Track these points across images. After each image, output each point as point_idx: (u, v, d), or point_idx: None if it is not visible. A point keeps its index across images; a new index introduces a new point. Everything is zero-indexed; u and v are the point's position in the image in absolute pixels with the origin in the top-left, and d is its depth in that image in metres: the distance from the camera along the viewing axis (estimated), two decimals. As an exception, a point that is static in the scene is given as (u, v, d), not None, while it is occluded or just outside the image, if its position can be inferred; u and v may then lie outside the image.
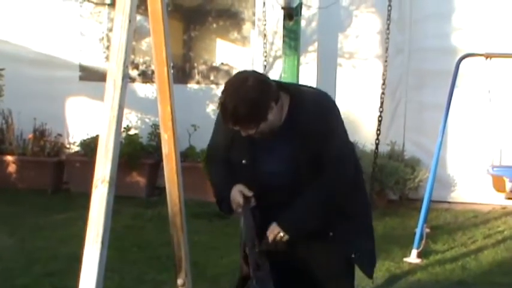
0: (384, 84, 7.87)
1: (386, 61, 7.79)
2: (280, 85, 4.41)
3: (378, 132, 7.85)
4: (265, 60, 9.32)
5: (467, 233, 9.07)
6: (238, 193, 4.54)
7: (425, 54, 10.57)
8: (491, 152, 9.40)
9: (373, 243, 4.78)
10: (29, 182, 10.73)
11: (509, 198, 9.21)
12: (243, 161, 4.55)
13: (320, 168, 4.36)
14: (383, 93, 7.76)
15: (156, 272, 6.67)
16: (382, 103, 7.79)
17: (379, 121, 7.81)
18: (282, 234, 4.41)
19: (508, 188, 8.93)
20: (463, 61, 8.10)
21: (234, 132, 4.37)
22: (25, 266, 7.13)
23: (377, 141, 7.83)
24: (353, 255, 4.64)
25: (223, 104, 4.25)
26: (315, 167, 4.36)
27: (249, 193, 4.51)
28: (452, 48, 10.09)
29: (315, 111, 4.36)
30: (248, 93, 4.16)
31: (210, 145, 5.00)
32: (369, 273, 4.78)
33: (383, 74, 7.83)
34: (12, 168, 10.87)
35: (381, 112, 7.78)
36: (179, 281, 6.13)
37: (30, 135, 11.08)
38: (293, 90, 4.44)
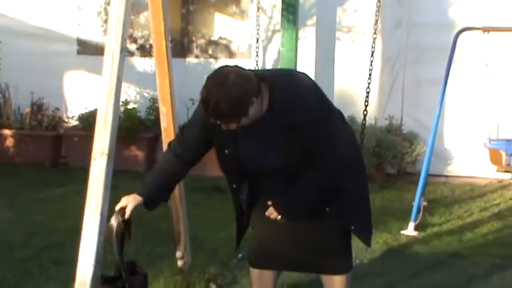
0: (372, 56, 7.82)
1: (375, 33, 7.74)
2: (260, 77, 4.32)
3: (366, 103, 7.81)
4: (258, 34, 9.27)
5: (463, 206, 9.09)
6: (124, 200, 4.57)
7: (423, 28, 10.56)
8: (488, 125, 9.41)
9: (370, 213, 4.81)
10: (26, 156, 10.75)
11: (505, 171, 9.24)
12: (226, 151, 4.57)
13: (307, 153, 4.33)
14: (371, 64, 7.72)
15: (154, 245, 6.68)
16: (370, 75, 7.75)
17: (367, 93, 7.78)
18: (279, 216, 4.46)
19: (504, 161, 8.96)
20: (461, 35, 8.09)
21: (215, 124, 4.31)
22: (24, 239, 7.13)
23: (365, 112, 7.79)
24: (352, 227, 4.69)
25: (204, 100, 4.18)
26: (302, 155, 4.35)
27: (130, 207, 4.54)
28: (450, 23, 10.07)
29: (296, 100, 4.31)
30: (229, 90, 4.10)
31: (180, 131, 4.88)
32: (368, 243, 4.83)
33: (372, 47, 7.78)
34: (10, 142, 10.88)
35: (369, 84, 7.74)
36: (178, 254, 6.16)
37: (28, 110, 11.08)
38: (273, 81, 4.36)
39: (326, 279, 4.83)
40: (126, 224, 4.65)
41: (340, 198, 4.59)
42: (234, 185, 4.73)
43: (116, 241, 4.60)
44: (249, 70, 4.33)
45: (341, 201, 4.60)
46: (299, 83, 4.43)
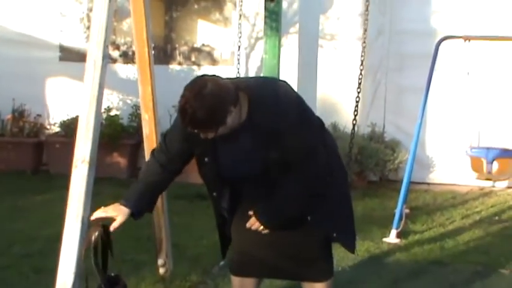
0: (361, 65, 7.87)
1: (364, 42, 7.78)
2: (238, 86, 4.33)
3: (356, 113, 7.87)
4: (239, 41, 9.28)
5: (445, 213, 9.12)
6: (111, 211, 4.67)
7: (405, 36, 10.59)
8: (469, 133, 9.46)
9: (353, 220, 4.80)
10: (7, 163, 10.72)
11: (486, 179, 9.28)
12: (206, 159, 4.57)
13: (286, 162, 4.34)
14: (361, 74, 7.76)
15: (136, 252, 6.68)
16: (359, 84, 7.80)
17: (357, 102, 7.84)
18: (261, 227, 4.45)
19: (485, 169, 9.01)
20: (442, 43, 8.11)
21: (194, 133, 4.31)
22: (4, 247, 7.11)
23: (354, 121, 7.84)
24: (334, 234, 4.65)
25: (182, 109, 4.17)
26: (280, 162, 4.35)
27: (119, 221, 4.66)
28: (432, 31, 10.10)
29: (275, 110, 4.30)
30: (206, 99, 4.11)
31: (162, 139, 4.88)
32: (351, 249, 4.82)
33: (361, 56, 7.84)
34: (-11, 148, 10.85)
35: (358, 93, 7.79)
36: (160, 261, 6.14)
37: (9, 116, 11.07)
38: (251, 90, 4.37)
39: (307, 286, 4.83)
40: (107, 237, 4.66)
41: (321, 206, 4.56)
42: (214, 193, 4.74)
43: (94, 254, 4.61)
44: (228, 79, 4.35)
45: (323, 209, 4.57)
46: (279, 92, 4.42)
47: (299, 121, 4.34)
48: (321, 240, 4.71)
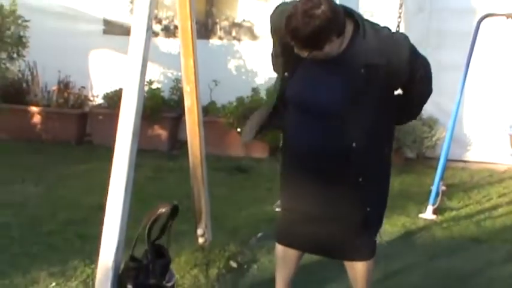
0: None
1: (400, 17, 7.75)
2: (349, 13, 4.29)
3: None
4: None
5: (482, 191, 9.09)
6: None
7: (446, 14, 10.52)
8: (509, 112, 9.41)
9: (385, 208, 4.78)
10: (53, 133, 10.80)
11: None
12: (285, 74, 4.51)
13: (372, 107, 4.31)
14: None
15: (178, 222, 6.70)
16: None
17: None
18: None
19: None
20: (484, 21, 8.07)
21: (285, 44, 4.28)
22: (50, 214, 7.18)
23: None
24: (368, 209, 4.57)
25: (288, 18, 4.06)
26: (367, 102, 4.30)
27: None
28: (473, 8, 10.02)
29: (379, 46, 4.25)
30: (313, 21, 3.98)
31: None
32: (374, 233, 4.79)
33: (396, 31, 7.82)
34: (37, 119, 10.92)
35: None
36: (199, 231, 6.20)
37: (55, 87, 11.11)
38: (360, 21, 4.31)
39: (348, 265, 4.81)
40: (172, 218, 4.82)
41: (372, 178, 4.52)
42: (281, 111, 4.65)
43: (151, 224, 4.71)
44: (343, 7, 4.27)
45: (372, 181, 4.51)
46: (388, 35, 4.38)
47: (414, 60, 4.36)
48: (362, 220, 4.63)
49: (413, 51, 4.35)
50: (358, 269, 4.77)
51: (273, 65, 4.72)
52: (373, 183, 4.53)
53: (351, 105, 4.27)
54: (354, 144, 4.34)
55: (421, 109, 4.90)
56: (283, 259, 4.91)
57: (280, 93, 4.58)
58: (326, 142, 4.40)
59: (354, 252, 4.71)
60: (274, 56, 4.65)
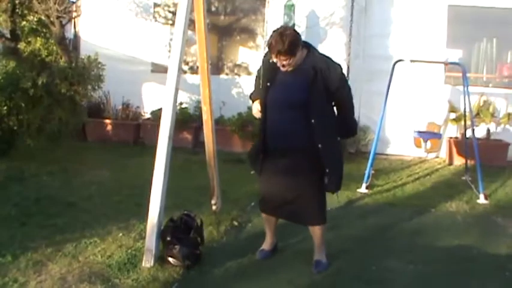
0: (347, 76, 7.88)
1: (348, 62, 7.76)
2: (306, 43, 4.66)
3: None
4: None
5: (396, 173, 9.07)
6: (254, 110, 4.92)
7: (373, 59, 10.51)
8: (413, 122, 9.44)
9: (342, 168, 4.85)
10: (119, 137, 10.76)
11: (429, 152, 9.29)
12: (268, 84, 4.70)
13: (322, 101, 4.57)
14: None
15: (198, 195, 6.71)
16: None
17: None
18: None
19: (422, 145, 9.05)
20: (397, 64, 8.07)
21: (268, 68, 4.67)
22: (118, 189, 7.20)
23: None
24: (327, 170, 4.63)
25: (272, 41, 4.46)
26: (319, 94, 4.52)
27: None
28: (390, 56, 10.01)
29: (328, 62, 4.59)
30: (288, 36, 4.44)
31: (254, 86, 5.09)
32: (332, 188, 4.81)
33: (346, 71, 7.83)
34: (109, 128, 10.91)
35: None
36: (212, 201, 6.19)
37: (120, 107, 11.13)
38: (310, 47, 4.67)
39: (311, 229, 4.94)
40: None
41: (328, 146, 4.62)
42: (264, 113, 4.77)
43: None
44: None
45: (327, 147, 4.61)
46: (328, 58, 4.67)
47: (342, 78, 4.66)
48: (318, 192, 4.74)
49: (343, 75, 4.69)
50: (315, 229, 4.91)
51: (255, 82, 5.02)
52: (327, 148, 4.62)
53: (309, 95, 4.51)
54: (312, 121, 4.54)
55: (353, 122, 5.01)
56: (267, 219, 5.13)
57: (264, 96, 4.74)
58: (294, 123, 4.60)
59: (314, 219, 4.85)
60: (258, 78, 4.96)
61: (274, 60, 4.56)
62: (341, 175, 4.80)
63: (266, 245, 5.20)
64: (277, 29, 4.58)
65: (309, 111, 4.52)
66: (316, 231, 4.93)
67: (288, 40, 4.42)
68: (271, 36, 4.50)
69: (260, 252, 5.14)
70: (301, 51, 4.58)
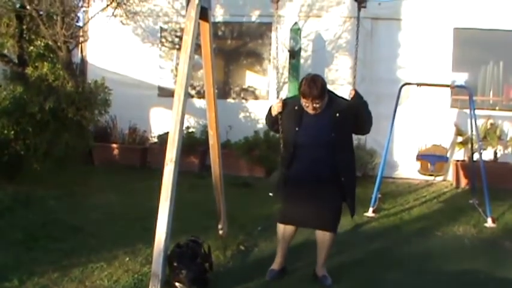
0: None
1: (354, 84, 7.80)
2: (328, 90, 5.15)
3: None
4: (277, 85, 9.31)
5: (403, 197, 9.10)
6: (274, 106, 5.24)
7: (380, 82, 10.56)
8: (418, 146, 9.45)
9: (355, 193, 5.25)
10: (126, 161, 10.83)
11: (430, 175, 9.29)
12: (296, 129, 5.07)
13: (343, 138, 5.08)
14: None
15: (205, 220, 6.71)
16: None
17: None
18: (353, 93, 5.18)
19: (429, 168, 9.06)
20: (403, 87, 8.11)
21: (294, 113, 5.11)
22: (124, 213, 7.24)
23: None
24: (348, 199, 5.14)
25: (305, 87, 4.96)
26: (342, 133, 5.05)
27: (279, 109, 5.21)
28: (396, 79, 10.07)
29: (341, 101, 5.14)
30: (319, 80, 5.01)
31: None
32: (352, 213, 5.25)
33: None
34: (116, 152, 11.00)
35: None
36: (219, 226, 6.19)
37: (127, 131, 11.20)
38: (330, 92, 5.17)
39: (321, 234, 5.11)
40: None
41: (349, 178, 5.11)
42: (291, 151, 5.11)
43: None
44: None
45: (348, 179, 5.09)
46: (344, 101, 5.19)
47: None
48: (337, 206, 5.10)
49: (361, 103, 5.21)
50: (326, 237, 5.09)
51: (275, 129, 5.41)
52: (349, 180, 5.12)
53: (334, 135, 4.99)
54: (337, 157, 5.03)
55: (369, 126, 5.27)
56: (283, 235, 5.22)
57: (294, 142, 5.09)
58: (321, 159, 5.03)
59: (327, 225, 5.07)
60: (274, 124, 5.35)
61: (306, 104, 5.04)
62: (355, 203, 5.27)
63: (276, 265, 5.27)
64: (307, 76, 5.10)
65: (334, 149, 4.99)
66: (326, 240, 5.12)
67: (320, 84, 4.96)
68: (303, 83, 5.02)
69: (270, 272, 5.22)
70: (325, 97, 5.07)
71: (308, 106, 5.03)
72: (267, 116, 5.37)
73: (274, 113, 5.22)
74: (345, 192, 5.08)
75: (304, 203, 5.05)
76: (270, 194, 5.38)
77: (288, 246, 5.28)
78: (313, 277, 5.18)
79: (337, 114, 5.02)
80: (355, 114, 5.06)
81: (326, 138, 4.99)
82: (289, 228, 5.18)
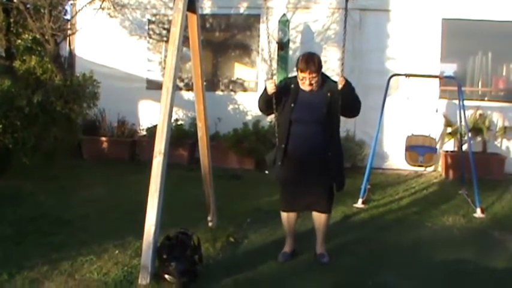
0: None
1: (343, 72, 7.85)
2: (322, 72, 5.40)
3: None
4: (266, 76, 9.31)
5: (393, 188, 9.12)
6: (269, 84, 5.31)
7: (369, 74, 10.57)
8: (407, 136, 9.48)
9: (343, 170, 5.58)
10: (115, 154, 10.80)
11: (419, 166, 9.31)
12: (292, 105, 5.30)
13: (334, 115, 5.29)
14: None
15: (194, 212, 6.71)
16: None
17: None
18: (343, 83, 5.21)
19: (418, 159, 9.06)
20: (392, 78, 8.13)
21: (290, 91, 5.33)
22: (114, 207, 7.25)
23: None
24: (335, 173, 5.42)
25: (303, 61, 5.23)
26: (334, 112, 5.28)
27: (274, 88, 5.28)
28: (385, 70, 10.09)
29: (334, 84, 5.30)
30: (316, 56, 5.32)
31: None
32: (338, 190, 5.48)
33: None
34: (105, 145, 10.95)
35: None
36: (208, 218, 6.22)
37: (116, 124, 11.18)
38: (324, 75, 5.42)
39: (317, 215, 5.51)
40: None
41: (338, 154, 5.43)
42: (287, 127, 5.34)
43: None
44: None
45: (337, 155, 5.42)
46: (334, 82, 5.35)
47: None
48: (330, 186, 5.39)
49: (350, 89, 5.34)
50: (322, 218, 5.50)
51: (269, 110, 5.49)
52: (336, 156, 5.41)
53: (327, 112, 5.26)
54: (329, 134, 5.32)
55: (357, 108, 5.47)
56: (287, 221, 5.57)
57: (289, 117, 5.31)
58: (315, 135, 5.28)
59: (325, 207, 5.47)
60: (269, 104, 5.42)
61: (303, 80, 5.28)
62: (344, 177, 5.56)
63: (287, 247, 5.60)
64: (304, 53, 5.37)
65: (324, 126, 5.26)
66: (323, 220, 5.50)
67: (317, 60, 5.24)
68: (300, 59, 5.28)
69: (282, 254, 5.51)
70: (320, 75, 5.31)
71: (305, 82, 5.29)
72: (261, 96, 5.44)
73: (270, 90, 5.26)
74: (333, 170, 5.36)
75: (302, 187, 5.34)
76: (266, 171, 5.56)
77: (295, 227, 5.61)
78: (314, 256, 5.55)
79: (329, 94, 5.27)
80: (344, 99, 5.24)
81: (319, 115, 5.23)
82: (292, 214, 5.54)
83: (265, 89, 5.34)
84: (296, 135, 5.33)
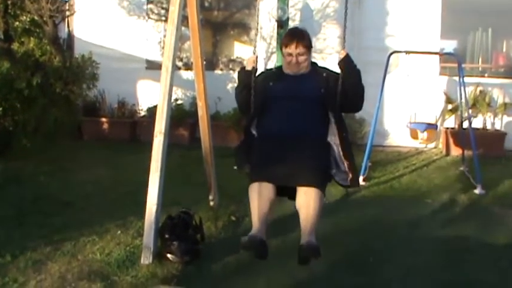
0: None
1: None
2: None
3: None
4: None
5: (393, 165, 9.13)
6: (249, 59, 4.64)
7: (368, 51, 10.52)
8: (408, 114, 9.48)
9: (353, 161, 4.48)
10: (115, 135, 10.81)
11: (421, 143, 9.31)
12: (270, 83, 4.58)
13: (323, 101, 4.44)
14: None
15: (196, 191, 6.73)
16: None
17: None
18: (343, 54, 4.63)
19: (419, 136, 9.06)
20: (392, 55, 8.11)
21: (271, 75, 4.67)
22: (115, 187, 7.25)
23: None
24: (347, 165, 4.38)
25: (289, 34, 4.61)
26: (320, 98, 4.44)
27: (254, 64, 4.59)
28: (385, 47, 10.06)
29: (324, 68, 4.68)
30: (304, 30, 4.61)
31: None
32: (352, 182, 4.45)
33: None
34: (105, 126, 10.96)
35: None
36: (210, 197, 6.24)
37: (116, 105, 11.18)
38: (314, 64, 4.69)
39: (304, 190, 4.08)
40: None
41: (347, 141, 4.50)
42: (258, 107, 4.51)
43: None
44: None
45: (347, 143, 4.47)
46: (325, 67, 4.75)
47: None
48: (324, 165, 4.29)
49: (354, 71, 4.74)
50: (311, 194, 4.04)
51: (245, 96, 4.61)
52: (346, 144, 4.46)
53: (325, 91, 4.47)
54: (329, 116, 4.42)
55: (360, 101, 4.78)
56: (260, 193, 4.13)
57: (264, 96, 4.49)
58: (307, 113, 4.41)
59: (311, 179, 4.06)
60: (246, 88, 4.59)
61: (288, 57, 4.49)
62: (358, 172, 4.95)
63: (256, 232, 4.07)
64: (291, 28, 4.97)
65: (324, 107, 4.41)
66: (312, 200, 4.04)
67: (306, 33, 4.57)
68: (287, 33, 4.71)
69: (249, 236, 4.03)
70: (309, 56, 4.57)
71: (291, 61, 4.48)
72: (238, 77, 4.69)
73: (250, 64, 4.56)
74: (342, 158, 4.33)
75: (281, 157, 4.18)
76: (235, 167, 4.78)
77: (268, 210, 4.16)
78: (298, 250, 4.02)
79: (324, 74, 4.55)
80: (345, 82, 4.49)
81: (313, 94, 4.42)
82: (266, 188, 4.13)
83: (242, 70, 4.65)
84: (274, 112, 4.42)
